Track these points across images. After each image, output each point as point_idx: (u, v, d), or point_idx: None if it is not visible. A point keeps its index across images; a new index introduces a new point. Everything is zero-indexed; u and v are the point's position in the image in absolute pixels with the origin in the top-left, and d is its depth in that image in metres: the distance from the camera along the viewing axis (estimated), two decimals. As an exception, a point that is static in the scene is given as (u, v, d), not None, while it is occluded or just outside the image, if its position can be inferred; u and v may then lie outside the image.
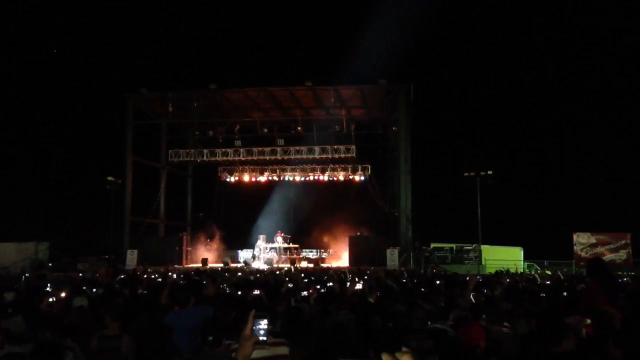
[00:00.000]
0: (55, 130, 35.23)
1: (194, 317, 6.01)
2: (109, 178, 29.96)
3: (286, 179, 33.84)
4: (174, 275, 15.55)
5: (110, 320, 5.55)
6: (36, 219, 30.78)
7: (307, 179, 33.44)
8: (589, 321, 5.28)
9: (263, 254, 30.05)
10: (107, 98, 34.67)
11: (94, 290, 9.79)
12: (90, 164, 34.26)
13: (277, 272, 18.66)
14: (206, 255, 30.26)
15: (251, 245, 31.71)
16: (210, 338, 4.28)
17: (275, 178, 33.92)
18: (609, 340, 4.26)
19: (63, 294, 7.97)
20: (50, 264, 27.28)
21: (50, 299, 7.65)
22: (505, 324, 6.21)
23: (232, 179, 34.48)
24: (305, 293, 7.41)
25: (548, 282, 13.18)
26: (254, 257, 30.21)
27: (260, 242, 30.62)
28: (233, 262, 29.75)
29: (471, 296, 7.68)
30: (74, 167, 34.40)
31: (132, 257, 28.10)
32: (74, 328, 5.71)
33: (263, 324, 2.93)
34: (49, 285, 10.48)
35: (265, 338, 2.92)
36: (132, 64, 37.83)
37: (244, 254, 31.51)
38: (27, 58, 35.35)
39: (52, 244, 29.41)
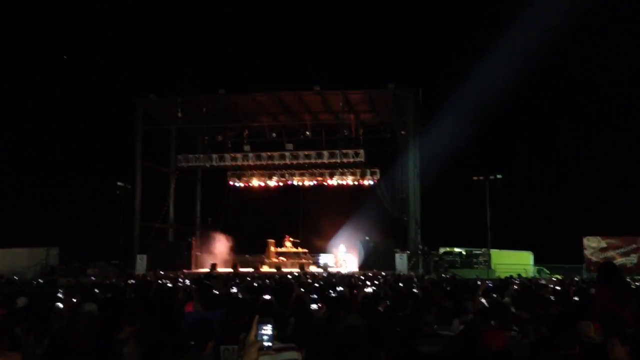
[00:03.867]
0: (65, 136, 35.48)
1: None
2: (119, 183, 30.13)
3: (295, 183, 33.89)
4: (187, 281, 15.55)
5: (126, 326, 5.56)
6: (46, 225, 30.94)
7: (316, 183, 33.49)
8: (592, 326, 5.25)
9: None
10: (116, 103, 34.89)
11: (104, 294, 9.82)
12: (100, 169, 34.45)
13: (289, 276, 18.65)
14: (215, 260, 30.30)
15: (260, 250, 31.83)
16: (192, 343, 4.28)
17: (284, 183, 33.99)
18: (611, 339, 4.23)
19: (74, 299, 8.00)
20: (62, 266, 27.46)
21: (59, 304, 7.67)
22: (514, 328, 6.19)
23: (241, 184, 34.56)
24: (314, 306, 7.35)
25: (558, 288, 13.08)
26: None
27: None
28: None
29: (483, 301, 7.64)
30: (83, 172, 34.59)
31: (141, 262, 28.22)
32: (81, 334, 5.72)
33: (267, 329, 2.91)
34: (60, 290, 10.51)
35: (270, 344, 2.91)
36: (141, 69, 38.04)
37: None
38: (38, 63, 35.65)
39: (62, 249, 29.58)
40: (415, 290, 10.13)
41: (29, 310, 6.74)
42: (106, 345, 5.23)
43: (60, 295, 9.37)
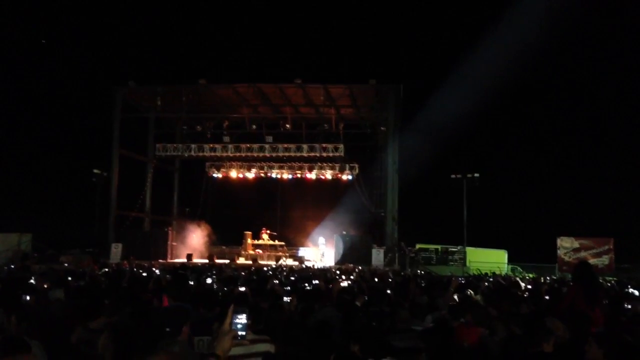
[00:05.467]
0: (42, 121, 34.94)
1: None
2: (95, 170, 29.79)
3: (274, 176, 33.88)
4: (157, 271, 15.43)
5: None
6: (20, 210, 30.46)
7: (295, 176, 33.50)
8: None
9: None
10: (94, 90, 34.44)
11: (77, 282, 9.71)
12: (76, 156, 34.01)
13: (265, 269, 18.65)
14: (191, 250, 30.12)
15: (237, 242, 31.78)
16: (168, 329, 4.27)
17: (263, 175, 33.98)
18: (587, 341, 4.30)
19: (45, 286, 7.91)
20: (36, 254, 27.03)
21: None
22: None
23: (220, 175, 34.46)
24: (287, 299, 7.34)
25: (529, 287, 13.25)
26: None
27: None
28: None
29: (455, 297, 7.72)
30: (59, 158, 34.09)
31: (116, 251, 27.95)
32: (52, 321, 5.65)
33: (242, 318, 2.92)
34: (32, 277, 10.37)
35: (244, 333, 2.92)
36: (121, 56, 37.62)
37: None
38: (15, 48, 35.00)
39: (35, 235, 29.14)
40: (388, 291, 10.17)
41: (1, 296, 6.62)
42: (67, 333, 5.17)
43: (32, 282, 9.25)
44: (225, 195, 34.16)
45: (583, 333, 5.04)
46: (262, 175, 34.00)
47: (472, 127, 35.84)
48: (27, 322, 5.23)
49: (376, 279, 13.62)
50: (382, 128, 30.96)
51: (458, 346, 5.20)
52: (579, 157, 35.62)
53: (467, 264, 28.79)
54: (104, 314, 5.53)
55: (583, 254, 31.11)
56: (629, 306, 8.18)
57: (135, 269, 15.93)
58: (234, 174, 34.02)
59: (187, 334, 4.43)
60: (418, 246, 31.37)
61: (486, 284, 12.81)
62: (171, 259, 29.45)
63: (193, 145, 31.30)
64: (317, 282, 10.85)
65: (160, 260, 26.99)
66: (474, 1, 39.15)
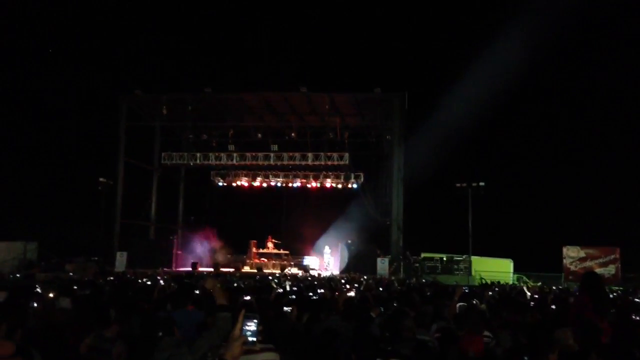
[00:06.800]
0: (48, 130, 35.05)
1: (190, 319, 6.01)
2: (101, 179, 29.84)
3: (279, 184, 33.87)
4: (162, 282, 15.41)
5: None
6: (25, 219, 30.54)
7: (300, 185, 33.49)
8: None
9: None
10: (100, 99, 34.57)
11: (83, 291, 9.70)
12: (82, 164, 34.07)
13: (270, 277, 18.61)
14: (196, 259, 30.06)
15: (242, 250, 31.75)
16: (160, 334, 4.55)
17: (268, 183, 33.97)
18: (591, 352, 4.27)
19: (51, 295, 7.90)
20: (42, 263, 27.09)
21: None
22: (488, 334, 6.22)
23: (225, 183, 34.46)
24: (288, 309, 7.31)
25: (536, 296, 13.19)
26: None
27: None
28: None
29: (457, 306, 7.67)
30: (65, 167, 34.20)
31: (121, 259, 27.95)
32: (57, 329, 5.66)
33: (252, 324, 2.91)
34: (37, 286, 10.37)
35: (254, 339, 2.91)
36: (127, 65, 37.77)
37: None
38: (21, 57, 35.22)
39: (40, 243, 29.20)
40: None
41: (8, 305, 6.62)
42: (73, 342, 5.20)
43: (38, 290, 9.25)
44: (230, 203, 34.13)
45: (593, 344, 5.01)
46: (267, 183, 34.00)
47: (477, 136, 35.84)
48: (26, 330, 5.21)
49: (381, 289, 13.58)
50: (387, 137, 30.95)
51: (463, 355, 5.18)
52: (585, 165, 35.47)
53: (473, 273, 28.68)
54: (115, 323, 5.54)
55: (589, 263, 30.97)
56: (638, 318, 8.10)
57: (140, 280, 15.91)
58: (239, 182, 34.04)
59: (177, 334, 4.88)
60: (423, 255, 31.29)
61: (490, 293, 12.73)
62: (176, 267, 29.43)
63: (198, 154, 31.38)
64: (322, 291, 10.82)
65: (165, 269, 26.97)
66: (478, 8, 39.17)
